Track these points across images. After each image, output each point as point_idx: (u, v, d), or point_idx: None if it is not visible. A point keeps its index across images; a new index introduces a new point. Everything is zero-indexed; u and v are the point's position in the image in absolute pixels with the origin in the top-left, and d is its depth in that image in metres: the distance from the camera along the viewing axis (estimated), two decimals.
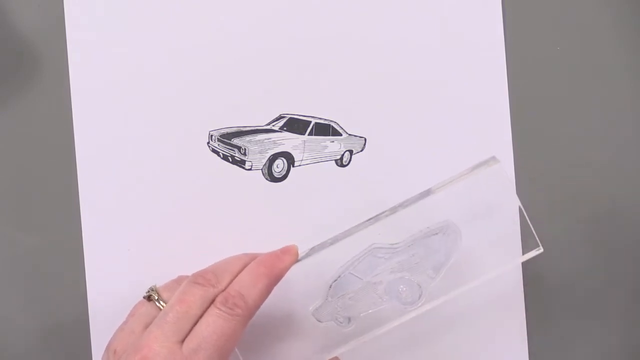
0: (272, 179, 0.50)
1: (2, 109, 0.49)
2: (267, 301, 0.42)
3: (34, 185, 0.49)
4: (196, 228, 0.49)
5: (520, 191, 0.51)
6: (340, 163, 0.51)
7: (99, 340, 0.48)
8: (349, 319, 0.44)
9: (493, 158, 0.44)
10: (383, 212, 0.44)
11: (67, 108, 0.49)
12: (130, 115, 0.49)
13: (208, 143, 0.50)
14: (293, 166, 0.50)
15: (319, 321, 0.44)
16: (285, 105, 0.50)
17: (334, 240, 0.44)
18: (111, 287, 0.49)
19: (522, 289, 0.51)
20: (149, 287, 0.42)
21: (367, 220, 0.44)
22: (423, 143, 0.51)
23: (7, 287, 0.49)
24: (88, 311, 0.49)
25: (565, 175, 0.52)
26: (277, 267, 0.42)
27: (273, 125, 0.50)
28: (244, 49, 0.50)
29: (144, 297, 0.42)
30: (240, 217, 0.50)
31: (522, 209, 0.44)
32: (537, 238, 0.45)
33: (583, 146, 0.52)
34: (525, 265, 0.51)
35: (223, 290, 0.40)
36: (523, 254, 0.45)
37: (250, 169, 0.50)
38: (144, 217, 0.49)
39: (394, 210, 0.44)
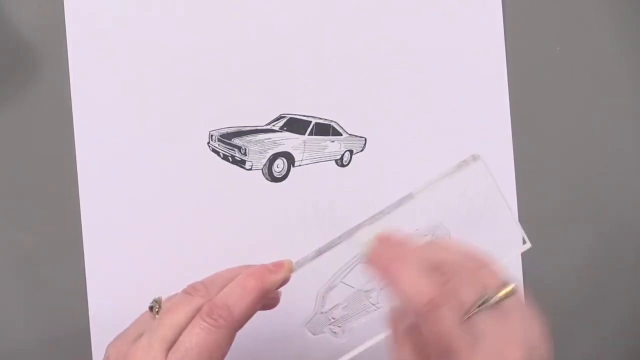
0: (272, 179, 0.50)
1: (2, 109, 0.49)
2: (258, 316, 0.40)
3: (34, 185, 0.49)
4: (196, 228, 0.49)
5: (521, 191, 0.51)
6: (340, 163, 0.51)
7: (99, 341, 0.48)
8: (344, 330, 0.43)
9: (474, 156, 0.42)
10: (364, 222, 0.41)
11: (67, 108, 0.49)
12: (130, 115, 0.49)
13: (208, 143, 0.50)
14: (293, 166, 0.50)
15: (313, 334, 0.43)
16: (285, 105, 0.50)
17: (320, 252, 0.41)
18: (111, 288, 0.49)
19: (522, 289, 0.51)
20: (154, 298, 0.41)
21: (350, 230, 0.41)
22: (423, 143, 0.51)
23: (7, 287, 0.49)
24: (88, 311, 0.49)
25: (565, 174, 0.52)
26: (267, 280, 0.40)
27: (273, 125, 0.50)
28: (244, 49, 0.50)
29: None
30: (241, 217, 0.50)
31: (508, 205, 0.43)
32: (523, 234, 0.44)
33: (583, 146, 0.52)
34: (525, 265, 0.51)
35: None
36: (511, 251, 0.44)
37: (250, 169, 0.50)
38: (144, 218, 0.49)
39: (375, 218, 0.41)
